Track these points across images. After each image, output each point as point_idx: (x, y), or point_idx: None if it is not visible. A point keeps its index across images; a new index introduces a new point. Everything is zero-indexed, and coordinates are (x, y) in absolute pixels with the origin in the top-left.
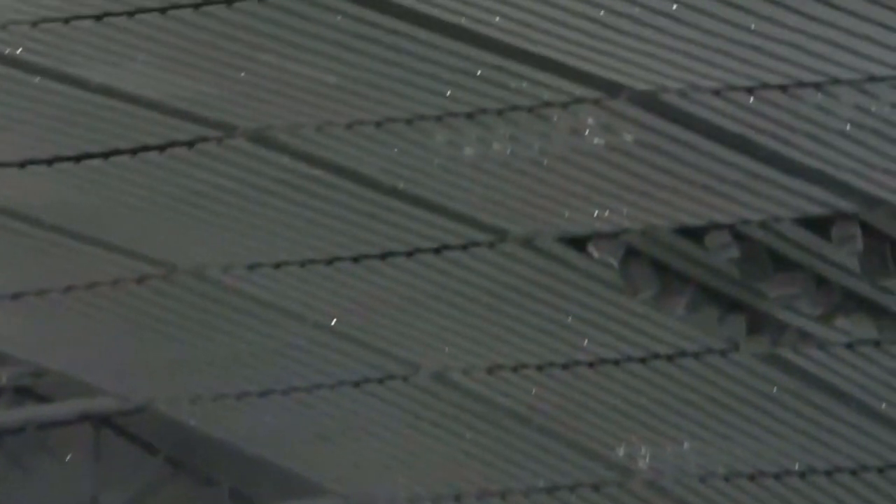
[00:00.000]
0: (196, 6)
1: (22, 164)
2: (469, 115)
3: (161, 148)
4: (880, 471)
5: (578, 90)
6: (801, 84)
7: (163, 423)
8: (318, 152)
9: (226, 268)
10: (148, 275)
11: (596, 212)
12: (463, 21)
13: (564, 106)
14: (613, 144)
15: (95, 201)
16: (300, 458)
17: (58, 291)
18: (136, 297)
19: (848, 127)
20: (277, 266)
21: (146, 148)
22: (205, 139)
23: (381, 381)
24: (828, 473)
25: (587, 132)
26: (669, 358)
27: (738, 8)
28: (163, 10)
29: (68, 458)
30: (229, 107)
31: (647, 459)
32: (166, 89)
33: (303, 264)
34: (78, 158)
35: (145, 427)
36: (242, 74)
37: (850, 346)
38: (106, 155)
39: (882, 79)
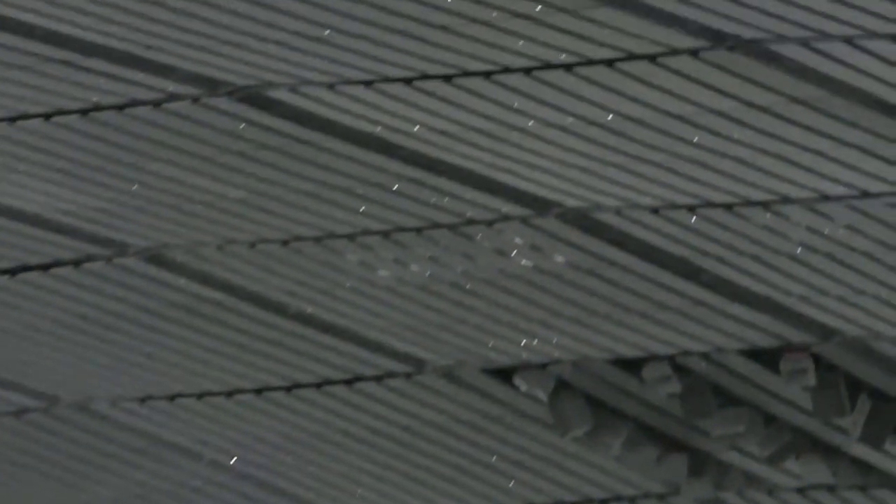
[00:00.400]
0: (83, 112)
1: None
2: (385, 234)
3: (44, 267)
4: None
5: (505, 207)
6: (749, 203)
7: None
8: (219, 273)
9: (114, 401)
10: (28, 408)
11: (523, 340)
12: (379, 130)
13: (489, 224)
14: (543, 266)
15: None
16: None
17: None
18: (15, 433)
19: (799, 250)
20: (172, 399)
21: (27, 268)
22: (92, 258)
23: None
24: None
25: (514, 253)
26: (604, 503)
27: (681, 119)
28: (47, 117)
29: None
30: (120, 223)
31: None
32: (50, 203)
33: (200, 396)
34: None
35: None
36: (135, 187)
37: (801, 490)
38: None
39: (836, 198)
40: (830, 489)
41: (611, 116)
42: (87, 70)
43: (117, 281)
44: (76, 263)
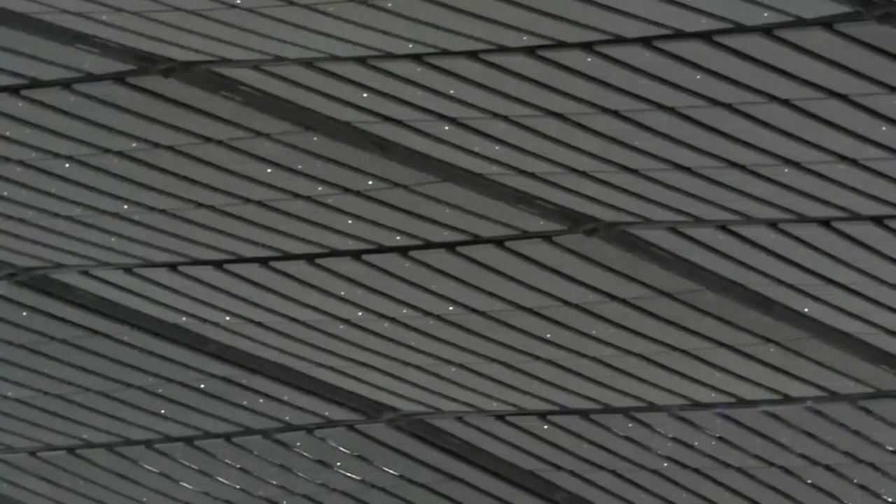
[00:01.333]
0: None
1: None
2: (188, 440)
3: None
4: None
5: (328, 410)
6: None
7: None
8: None
9: None
10: None
11: None
12: (184, 320)
13: (310, 430)
14: (371, 480)
15: None
16: None
17: None
18: None
19: (665, 464)
20: None
21: None
22: None
23: None
24: None
25: (338, 464)
26: None
27: (531, 312)
28: None
29: None
30: None
31: None
32: None
33: None
34: None
35: None
36: None
37: None
38: None
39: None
40: None
41: (451, 307)
42: None
43: None
44: None
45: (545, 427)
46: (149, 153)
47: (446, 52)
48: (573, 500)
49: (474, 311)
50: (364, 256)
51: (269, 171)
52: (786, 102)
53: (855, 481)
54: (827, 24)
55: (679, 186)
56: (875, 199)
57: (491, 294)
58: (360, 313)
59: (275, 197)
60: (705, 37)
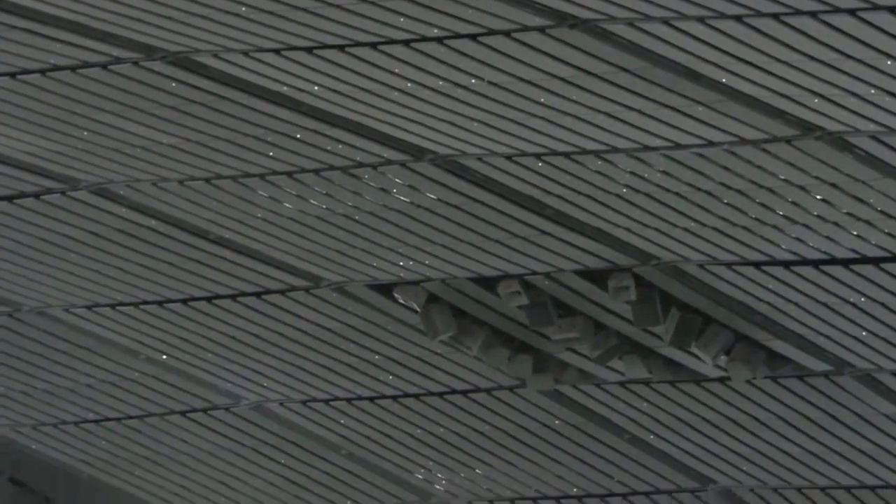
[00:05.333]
0: (43, 72)
1: None
2: (289, 174)
3: (10, 198)
4: (647, 495)
5: (387, 153)
6: (584, 151)
7: (7, 447)
8: (154, 205)
9: (67, 307)
10: None
11: (401, 262)
12: (285, 89)
13: (374, 167)
14: (418, 202)
15: None
16: (131, 480)
17: None
18: None
19: (624, 190)
20: (114, 306)
21: None
22: (50, 192)
23: (206, 412)
24: (602, 497)
25: (394, 191)
26: (465, 393)
27: (529, 83)
28: (13, 75)
29: None
30: (73, 162)
31: (443, 484)
32: (15, 145)
33: (137, 305)
34: None
35: None
36: (85, 133)
37: (623, 384)
38: None
39: (655, 148)
40: (646, 383)
41: (473, 81)
42: (45, 37)
43: (70, 210)
44: (36, 196)
45: (539, 164)
46: None
47: None
48: (558, 214)
49: (490, 82)
50: (412, 44)
51: None
52: None
53: (757, 200)
54: None
55: None
56: None
57: (500, 70)
58: (409, 85)
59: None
60: None
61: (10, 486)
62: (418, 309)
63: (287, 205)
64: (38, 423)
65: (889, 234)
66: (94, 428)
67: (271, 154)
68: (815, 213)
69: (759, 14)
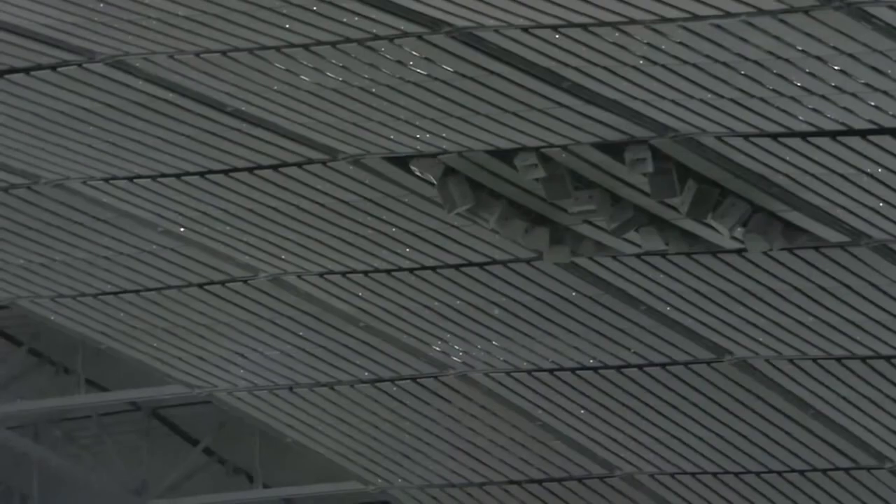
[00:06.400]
0: None
1: None
2: (305, 46)
3: (27, 70)
4: (663, 367)
5: (404, 25)
6: (601, 23)
7: (26, 319)
8: (170, 77)
9: (86, 180)
10: (14, 185)
11: (418, 134)
12: None
13: (391, 39)
14: (435, 74)
15: None
16: (149, 351)
17: None
18: (3, 206)
19: (641, 62)
20: (132, 179)
21: (13, 70)
22: (67, 63)
23: (223, 284)
24: (618, 368)
25: (411, 63)
26: (482, 265)
27: None
28: None
29: None
30: (90, 34)
31: (460, 355)
32: (33, 17)
33: (155, 178)
34: None
35: (10, 322)
36: (101, 5)
37: (639, 256)
38: None
39: (672, 20)
40: (663, 255)
41: None
42: None
43: (87, 83)
44: (54, 68)
45: (556, 37)
46: None
47: None
48: (575, 86)
49: None
50: None
51: None
52: None
53: (774, 71)
54: None
55: None
56: None
57: None
58: None
59: None
60: None
61: (29, 358)
62: (435, 181)
63: (304, 77)
64: (57, 294)
65: None
66: (112, 300)
67: (287, 26)
68: (833, 84)
69: None
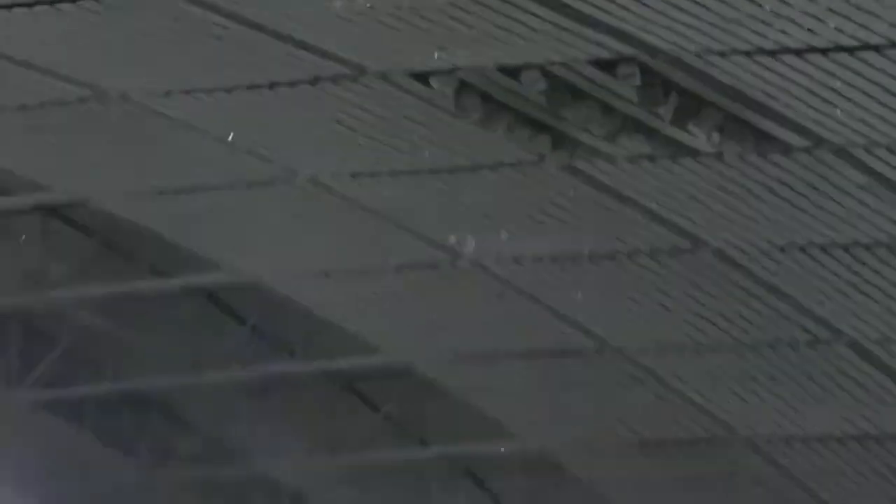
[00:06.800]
0: None
1: None
2: None
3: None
4: (649, 254)
5: None
6: None
7: (98, 214)
8: (225, 4)
9: (147, 93)
10: (85, 97)
11: (437, 53)
12: None
13: None
14: (457, 4)
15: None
16: (204, 241)
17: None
18: (77, 115)
19: None
20: (187, 92)
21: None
22: None
23: (267, 184)
24: (610, 256)
25: None
26: (492, 167)
27: None
28: None
29: (22, 238)
30: None
31: (473, 245)
32: None
33: (207, 92)
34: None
35: (85, 217)
36: None
37: (629, 159)
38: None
39: None
40: (650, 158)
41: None
42: None
43: (148, 6)
44: None
45: None
46: None
47: None
48: (576, 12)
49: None
50: None
51: None
52: None
53: None
54: None
55: None
56: None
57: None
58: None
59: None
60: None
61: (101, 248)
62: (451, 94)
63: (337, 2)
64: (128, 192)
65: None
66: (174, 197)
67: None
68: (799, 10)
69: None
